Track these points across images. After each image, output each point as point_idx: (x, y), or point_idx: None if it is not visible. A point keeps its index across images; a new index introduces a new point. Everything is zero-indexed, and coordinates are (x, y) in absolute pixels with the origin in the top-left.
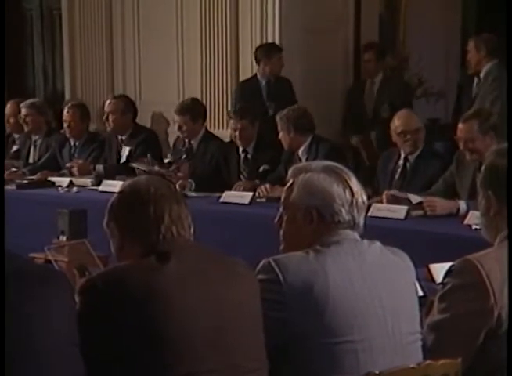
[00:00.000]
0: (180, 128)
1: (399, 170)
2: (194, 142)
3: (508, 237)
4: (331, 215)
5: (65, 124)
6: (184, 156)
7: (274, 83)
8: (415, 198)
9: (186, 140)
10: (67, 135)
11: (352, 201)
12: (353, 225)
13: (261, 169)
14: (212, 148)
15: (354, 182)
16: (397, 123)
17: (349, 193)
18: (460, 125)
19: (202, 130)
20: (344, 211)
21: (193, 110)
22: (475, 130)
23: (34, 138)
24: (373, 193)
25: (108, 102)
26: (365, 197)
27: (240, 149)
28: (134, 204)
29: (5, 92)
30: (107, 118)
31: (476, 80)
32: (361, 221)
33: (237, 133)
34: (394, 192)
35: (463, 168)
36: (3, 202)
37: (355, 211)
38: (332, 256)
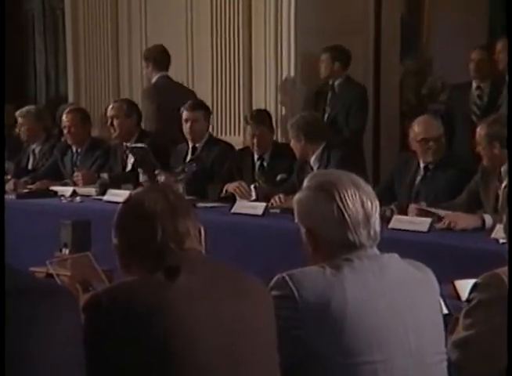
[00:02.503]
0: (193, 124)
1: (419, 179)
2: (199, 146)
3: (508, 236)
4: (328, 236)
5: (65, 130)
6: (194, 164)
7: (340, 87)
8: (440, 213)
9: (191, 144)
10: (68, 141)
11: (346, 219)
12: (359, 243)
13: (279, 178)
14: (215, 151)
15: (350, 196)
16: (417, 130)
17: (339, 211)
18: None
19: (207, 134)
20: (340, 231)
21: (206, 107)
22: (482, 135)
23: (32, 146)
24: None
25: (110, 106)
26: (372, 207)
27: (256, 156)
28: (130, 220)
29: (5, 94)
30: (112, 123)
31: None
32: (371, 234)
33: (255, 140)
34: (422, 206)
35: (489, 178)
36: (3, 209)
37: (355, 228)
38: (350, 271)
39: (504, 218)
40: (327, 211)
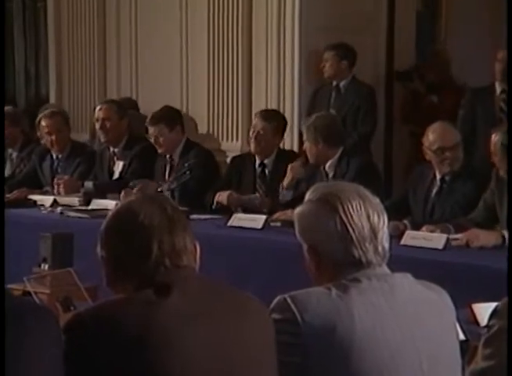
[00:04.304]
0: (156, 140)
1: (434, 191)
2: (175, 156)
3: (509, 237)
4: (331, 253)
5: (46, 136)
6: (188, 172)
7: (345, 88)
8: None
9: (167, 156)
10: (49, 147)
11: (350, 233)
12: (366, 261)
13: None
14: (191, 157)
15: (355, 209)
16: (432, 138)
17: (342, 225)
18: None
19: (182, 140)
20: (344, 246)
21: (168, 117)
22: (496, 144)
23: (9, 151)
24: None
25: (99, 108)
26: (379, 221)
27: (257, 162)
28: (122, 232)
29: (4, 94)
30: (102, 126)
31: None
32: (378, 250)
33: (253, 135)
34: (436, 231)
35: (503, 186)
36: (3, 212)
37: (361, 243)
38: (358, 293)
39: None
40: (329, 225)
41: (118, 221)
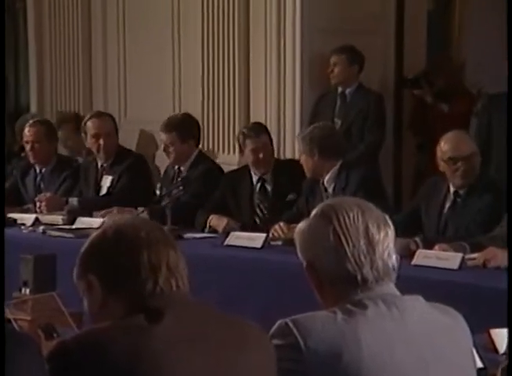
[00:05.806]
0: (166, 148)
1: (448, 206)
2: (184, 168)
3: (508, 238)
4: (327, 267)
5: (27, 146)
6: (181, 187)
7: (352, 95)
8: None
9: (176, 166)
10: (31, 159)
11: (343, 245)
12: (361, 277)
13: (288, 198)
14: (200, 173)
15: (352, 220)
16: (444, 147)
17: (336, 236)
18: None
19: (194, 153)
20: (338, 260)
21: (182, 127)
22: None
23: None
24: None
25: (93, 121)
26: (379, 234)
27: (254, 177)
28: (122, 251)
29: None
30: (98, 141)
31: None
32: (377, 265)
33: (261, 155)
34: (449, 249)
35: None
36: (3, 216)
37: (355, 256)
38: (365, 317)
39: None
40: (324, 237)
41: (106, 240)
